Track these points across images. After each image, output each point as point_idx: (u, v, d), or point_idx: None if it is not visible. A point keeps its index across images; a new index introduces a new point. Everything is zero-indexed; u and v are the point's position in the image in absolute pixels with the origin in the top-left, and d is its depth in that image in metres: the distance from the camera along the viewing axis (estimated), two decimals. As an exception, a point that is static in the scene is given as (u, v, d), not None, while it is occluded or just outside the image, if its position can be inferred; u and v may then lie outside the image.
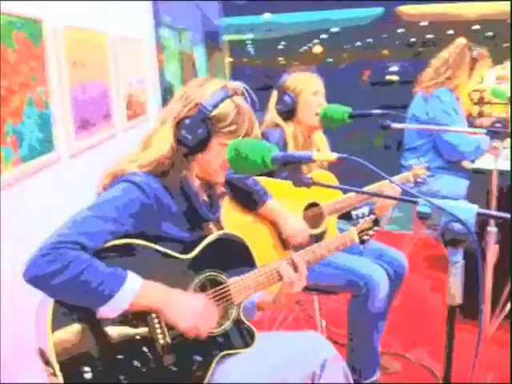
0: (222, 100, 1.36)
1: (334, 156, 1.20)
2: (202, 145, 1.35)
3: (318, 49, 17.41)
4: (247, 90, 1.43)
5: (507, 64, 3.79)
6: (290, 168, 1.26)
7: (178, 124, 1.35)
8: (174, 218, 1.35)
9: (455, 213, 1.05)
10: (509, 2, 4.28)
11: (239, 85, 1.43)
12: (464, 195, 2.81)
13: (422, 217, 1.09)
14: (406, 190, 1.16)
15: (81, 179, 2.84)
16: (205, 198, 1.46)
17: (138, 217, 1.26)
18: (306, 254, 1.51)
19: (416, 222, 3.55)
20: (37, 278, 1.12)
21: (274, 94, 2.21)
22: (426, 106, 3.10)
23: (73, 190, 2.73)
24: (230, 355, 1.41)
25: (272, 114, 2.17)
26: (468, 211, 1.06)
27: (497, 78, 3.59)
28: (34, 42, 2.37)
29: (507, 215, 1.07)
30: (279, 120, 2.15)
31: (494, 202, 2.02)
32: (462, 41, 3.13)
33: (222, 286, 1.39)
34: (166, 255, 1.31)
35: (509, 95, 2.98)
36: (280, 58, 18.57)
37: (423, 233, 3.67)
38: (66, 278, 1.12)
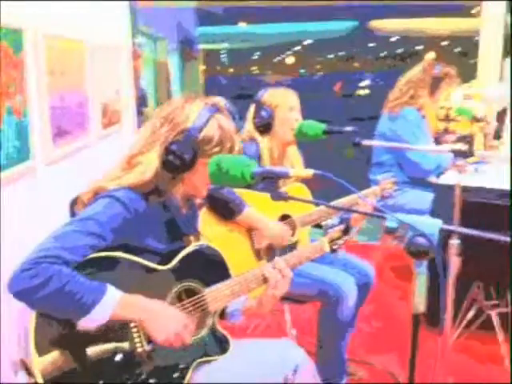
0: (207, 121, 1.40)
1: (310, 172, 1.29)
2: (188, 167, 1.40)
3: (290, 60, 17.66)
4: (227, 105, 1.49)
5: (474, 83, 3.97)
6: (268, 182, 1.35)
7: (165, 148, 1.39)
8: (154, 231, 1.40)
9: (420, 228, 1.15)
10: (476, 20, 4.46)
11: (219, 100, 1.49)
12: (428, 208, 2.92)
13: (390, 231, 1.17)
14: (375, 206, 1.25)
15: (57, 187, 2.87)
16: (185, 210, 1.51)
17: (119, 231, 1.31)
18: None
19: (384, 233, 3.67)
20: (20, 292, 1.17)
21: (252, 108, 2.28)
22: (392, 124, 3.22)
23: (49, 198, 2.76)
24: (206, 362, 1.47)
25: (249, 128, 2.25)
26: (432, 226, 1.15)
27: (464, 97, 3.74)
28: (14, 51, 2.39)
29: (469, 231, 1.16)
30: (255, 134, 2.23)
31: (457, 216, 2.12)
32: (427, 59, 3.27)
33: (197, 296, 1.45)
34: (144, 266, 1.36)
35: (473, 113, 3.12)
36: (253, 68, 18.73)
37: (391, 243, 3.79)
38: (48, 292, 1.16)
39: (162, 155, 1.39)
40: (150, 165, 1.38)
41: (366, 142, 2.03)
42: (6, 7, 2.34)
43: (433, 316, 1.24)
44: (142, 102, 5.53)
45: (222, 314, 1.59)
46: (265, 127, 2.22)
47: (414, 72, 3.25)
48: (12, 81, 2.38)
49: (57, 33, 2.86)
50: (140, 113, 4.87)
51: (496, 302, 2.68)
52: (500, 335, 2.58)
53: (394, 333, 2.98)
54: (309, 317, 2.81)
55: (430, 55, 14.21)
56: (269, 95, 2.25)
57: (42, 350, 1.22)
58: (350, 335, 2.28)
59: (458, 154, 1.83)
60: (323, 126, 2.13)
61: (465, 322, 2.67)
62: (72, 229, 1.26)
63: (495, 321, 2.60)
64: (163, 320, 1.32)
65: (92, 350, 1.27)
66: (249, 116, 2.28)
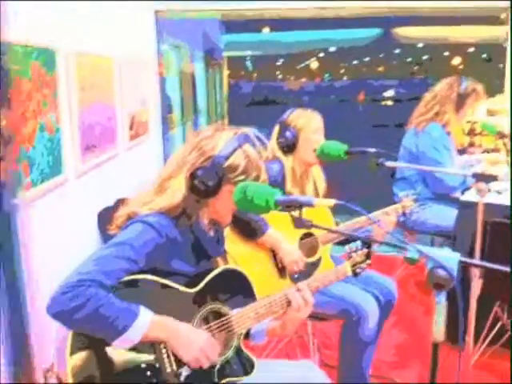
0: (234, 151, 1.46)
1: (332, 202, 1.33)
2: (212, 192, 1.46)
3: (314, 64, 17.67)
4: (256, 135, 1.54)
5: (499, 97, 3.94)
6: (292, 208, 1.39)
7: (192, 174, 1.45)
8: (183, 254, 1.46)
9: (440, 260, 1.17)
10: (505, 27, 4.43)
11: (249, 130, 1.55)
12: (452, 224, 2.91)
13: (410, 262, 1.20)
14: (396, 237, 1.28)
15: (86, 199, 2.96)
16: (212, 234, 1.56)
17: (151, 256, 1.38)
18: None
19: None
20: (59, 313, 1.24)
21: (277, 128, 2.33)
22: (416, 139, 3.22)
23: (79, 209, 2.85)
24: (231, 383, 1.51)
25: (273, 147, 2.30)
26: (451, 260, 1.18)
27: (488, 111, 3.73)
28: (47, 70, 2.48)
29: (488, 264, 1.19)
30: (279, 153, 2.28)
31: (479, 236, 2.13)
32: (452, 77, 3.24)
33: (224, 318, 1.50)
34: (173, 289, 1.42)
35: (497, 129, 3.10)
36: (277, 73, 18.80)
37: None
38: (85, 314, 1.24)
39: (188, 180, 1.45)
40: (178, 189, 1.45)
41: (389, 164, 2.05)
42: (37, 28, 2.43)
43: (455, 333, 1.25)
44: (167, 109, 5.64)
45: (246, 335, 1.63)
46: (288, 147, 2.26)
47: (440, 88, 3.23)
48: (45, 99, 2.47)
49: (86, 50, 2.95)
50: (165, 120, 4.97)
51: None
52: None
53: (417, 348, 2.98)
54: (331, 331, 2.84)
55: (456, 60, 14.10)
56: (294, 116, 2.29)
57: (74, 351, 1.29)
58: (373, 352, 2.30)
59: (480, 179, 1.84)
60: (345, 147, 2.16)
61: (487, 341, 2.67)
62: (108, 253, 1.33)
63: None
64: (190, 340, 1.38)
65: (123, 363, 1.33)
66: (273, 135, 2.32)
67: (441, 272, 1.18)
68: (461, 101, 3.15)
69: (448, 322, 1.22)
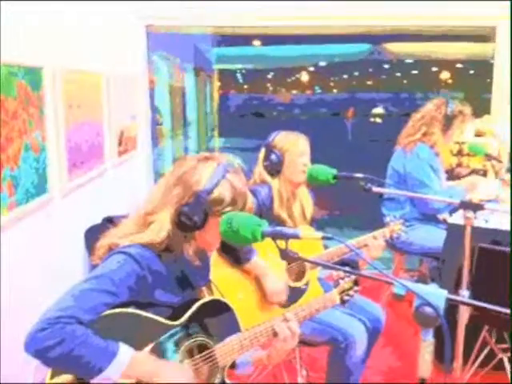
0: (218, 183, 1.43)
1: (319, 235, 1.31)
2: (199, 226, 1.43)
3: (305, 77, 17.77)
4: (238, 163, 1.52)
5: (486, 118, 3.96)
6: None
7: (177, 210, 1.42)
8: (166, 285, 1.43)
9: (427, 297, 1.16)
10: (491, 44, 4.48)
11: (231, 159, 1.52)
12: (439, 245, 2.91)
13: (397, 298, 1.18)
14: (380, 271, 1.26)
15: (72, 217, 2.92)
16: (197, 263, 1.53)
17: (132, 288, 1.34)
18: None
19: (396, 266, 3.66)
20: (35, 351, 1.20)
21: (262, 151, 2.31)
22: (404, 160, 3.23)
23: (65, 228, 2.81)
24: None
25: (259, 170, 2.28)
26: (438, 297, 1.16)
27: (475, 132, 3.74)
28: (33, 88, 2.46)
29: (476, 303, 1.17)
30: (266, 176, 2.26)
31: (467, 262, 2.12)
32: (438, 99, 3.26)
33: (208, 351, 1.47)
34: (155, 321, 1.38)
35: (486, 150, 3.12)
36: (268, 85, 18.88)
37: (403, 275, 3.77)
38: (61, 353, 1.20)
39: (173, 216, 1.42)
40: (162, 225, 1.41)
41: (376, 189, 2.05)
42: (23, 46, 2.41)
43: (443, 352, 1.23)
44: (156, 121, 5.62)
45: (232, 365, 1.60)
46: (274, 170, 2.25)
47: (427, 108, 3.24)
48: (31, 118, 2.44)
49: (73, 66, 2.92)
50: (155, 132, 4.95)
51: (507, 345, 2.66)
52: None
53: (405, 370, 2.96)
54: (319, 355, 2.82)
55: (445, 75, 14.24)
56: (279, 139, 2.28)
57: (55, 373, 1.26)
58: (359, 377, 2.28)
59: (467, 207, 1.84)
60: (333, 172, 2.15)
61: (477, 364, 2.66)
62: (88, 287, 1.29)
63: (507, 364, 2.58)
64: (174, 379, 1.35)
65: None
66: (259, 158, 2.31)
67: (427, 310, 1.16)
68: (448, 122, 3.16)
69: (436, 342, 1.20)
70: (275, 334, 1.53)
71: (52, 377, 1.27)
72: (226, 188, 1.44)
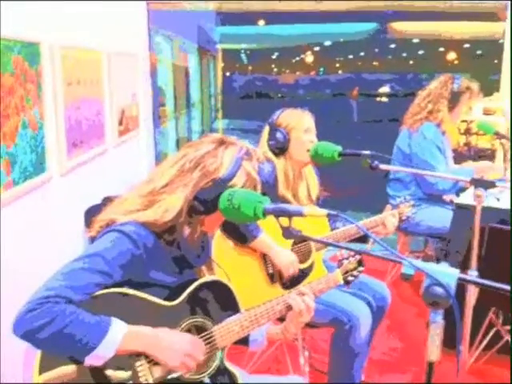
0: (237, 171, 1.39)
1: (324, 213, 1.25)
2: (211, 212, 1.38)
3: (309, 58, 17.55)
4: (254, 150, 1.48)
5: (495, 96, 3.87)
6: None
7: (192, 193, 1.36)
8: (163, 265, 1.38)
9: (437, 277, 1.10)
10: (500, 24, 4.37)
11: (247, 145, 1.47)
12: (446, 226, 2.85)
13: (406, 278, 1.13)
14: (390, 250, 1.21)
15: (72, 197, 2.87)
16: (196, 243, 1.47)
17: (126, 267, 1.29)
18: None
19: (400, 247, 3.61)
20: (25, 332, 1.16)
21: (266, 130, 2.24)
22: (410, 140, 3.15)
23: (64, 208, 2.76)
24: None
25: (264, 149, 2.21)
26: (449, 276, 1.10)
27: (484, 111, 3.66)
28: (30, 64, 2.39)
29: (487, 282, 1.12)
30: (271, 155, 2.20)
31: (476, 242, 2.07)
32: (446, 74, 3.17)
33: (206, 333, 1.42)
34: (151, 302, 1.34)
35: (495, 129, 3.03)
36: (272, 66, 18.68)
37: (408, 256, 3.72)
38: (51, 332, 1.16)
39: (188, 199, 1.36)
40: (172, 206, 1.35)
41: (383, 167, 1.98)
42: (22, 21, 2.34)
43: (451, 338, 1.18)
44: (159, 102, 5.53)
45: (245, 341, 1.57)
46: (280, 149, 2.18)
47: (433, 86, 3.16)
48: (28, 94, 2.38)
49: (73, 43, 2.85)
50: (157, 113, 4.86)
51: (514, 327, 2.62)
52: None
53: (410, 352, 2.93)
54: (321, 336, 2.78)
55: (451, 56, 14.04)
56: (284, 117, 2.20)
57: (44, 368, 1.22)
58: (364, 359, 2.24)
59: (478, 184, 1.77)
60: (339, 149, 2.08)
61: (482, 346, 2.62)
62: (80, 266, 1.24)
63: (513, 346, 2.54)
64: (173, 344, 1.30)
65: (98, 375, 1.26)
66: (263, 137, 2.24)
67: (437, 290, 1.11)
68: (454, 99, 3.08)
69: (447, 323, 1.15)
70: (289, 308, 1.51)
71: (40, 373, 1.22)
72: (242, 175, 1.40)
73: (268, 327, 1.59)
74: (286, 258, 2.06)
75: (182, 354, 1.30)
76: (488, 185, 1.77)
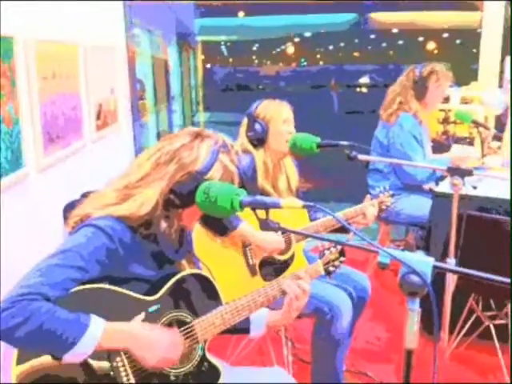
0: (213, 164, 1.38)
1: (300, 204, 1.25)
2: (187, 205, 1.37)
3: (290, 49, 17.53)
4: (231, 144, 1.46)
5: (473, 85, 3.90)
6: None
7: (168, 186, 1.35)
8: (142, 259, 1.36)
9: (413, 265, 1.11)
10: (478, 13, 4.40)
11: (224, 138, 1.45)
12: (426, 214, 2.88)
13: (382, 267, 1.13)
14: (366, 239, 1.21)
15: (50, 193, 2.83)
16: (174, 238, 1.46)
17: (103, 262, 1.28)
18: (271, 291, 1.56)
19: (382, 236, 3.64)
20: (1, 332, 1.13)
21: (245, 121, 2.23)
22: (387, 132, 3.18)
23: (42, 205, 2.72)
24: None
25: (242, 141, 2.20)
26: (425, 264, 1.11)
27: (462, 100, 3.68)
28: (3, 59, 2.34)
29: (463, 269, 1.13)
30: (250, 147, 2.19)
31: (453, 230, 2.09)
32: (410, 66, 3.20)
33: (186, 326, 1.41)
34: (131, 297, 1.33)
35: (472, 118, 3.05)
36: (253, 58, 18.63)
37: (389, 246, 3.75)
38: (28, 331, 1.13)
39: (163, 193, 1.35)
40: (147, 199, 1.33)
41: (361, 157, 1.99)
42: (-6, 15, 2.29)
43: (430, 322, 1.19)
44: (138, 95, 5.47)
45: (245, 329, 1.60)
46: (258, 141, 2.17)
47: (399, 80, 3.22)
48: (2, 89, 2.34)
49: (48, 37, 2.80)
50: (137, 107, 4.81)
51: (494, 313, 2.66)
52: (499, 346, 2.55)
53: (393, 341, 2.96)
54: (304, 326, 2.80)
55: (431, 45, 14.13)
56: (262, 108, 2.20)
57: (22, 359, 1.21)
58: (346, 349, 2.25)
59: (455, 173, 1.78)
60: (317, 140, 2.08)
61: (463, 332, 2.66)
62: (55, 262, 1.23)
63: (493, 332, 2.57)
64: (151, 342, 1.29)
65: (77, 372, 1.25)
66: (242, 129, 2.23)
67: (414, 278, 1.12)
68: (421, 86, 3.10)
69: (422, 312, 1.16)
70: (283, 293, 1.55)
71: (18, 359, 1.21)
72: (219, 168, 1.39)
73: (267, 313, 1.62)
74: (267, 237, 2.04)
75: (160, 351, 1.30)
76: (465, 173, 1.78)
